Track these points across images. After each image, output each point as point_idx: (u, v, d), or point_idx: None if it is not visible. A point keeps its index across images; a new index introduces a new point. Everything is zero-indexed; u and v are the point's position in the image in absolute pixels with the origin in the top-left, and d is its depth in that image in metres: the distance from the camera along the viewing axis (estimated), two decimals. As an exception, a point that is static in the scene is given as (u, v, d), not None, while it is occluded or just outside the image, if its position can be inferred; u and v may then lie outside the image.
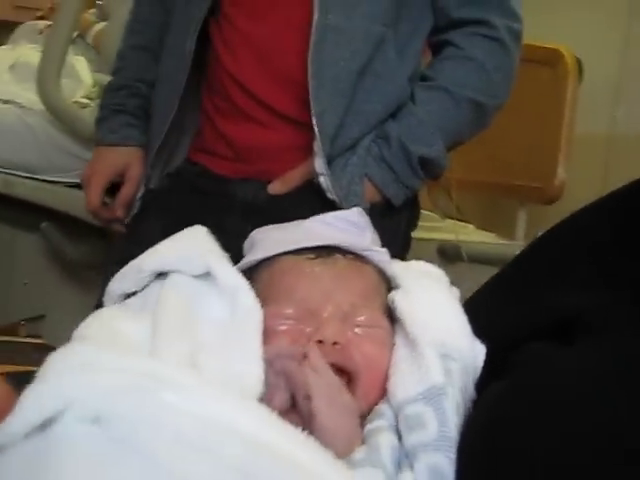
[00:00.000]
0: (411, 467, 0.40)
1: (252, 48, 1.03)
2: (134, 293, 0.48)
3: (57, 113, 1.43)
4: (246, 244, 0.57)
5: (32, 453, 0.31)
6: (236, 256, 1.12)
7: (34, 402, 0.33)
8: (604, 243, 0.52)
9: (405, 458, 0.40)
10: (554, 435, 0.37)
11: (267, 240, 0.52)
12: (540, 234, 0.59)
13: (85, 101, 1.52)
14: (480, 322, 0.50)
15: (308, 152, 1.00)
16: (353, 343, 0.46)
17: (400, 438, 0.42)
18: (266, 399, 0.40)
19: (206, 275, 0.46)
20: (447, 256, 1.92)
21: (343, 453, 0.39)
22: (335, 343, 0.45)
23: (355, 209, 0.55)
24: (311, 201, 0.99)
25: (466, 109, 1.03)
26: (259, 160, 1.05)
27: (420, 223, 1.23)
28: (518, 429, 0.39)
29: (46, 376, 0.34)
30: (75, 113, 1.46)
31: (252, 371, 0.40)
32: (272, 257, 0.50)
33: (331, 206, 0.97)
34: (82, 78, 1.55)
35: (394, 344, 0.47)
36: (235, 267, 0.49)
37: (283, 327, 0.46)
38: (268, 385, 0.41)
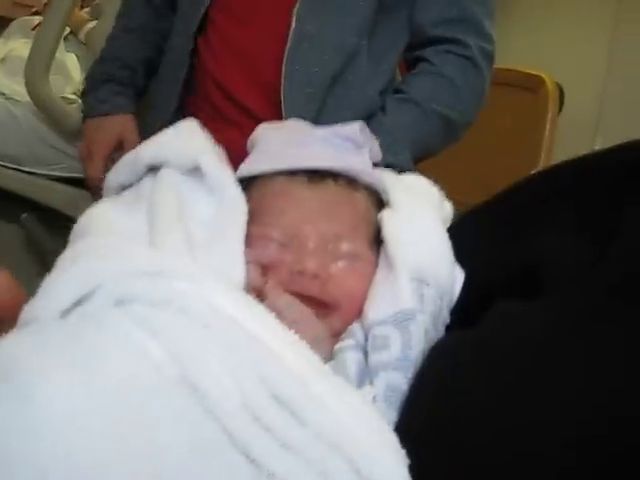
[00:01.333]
0: (371, 383, 0.40)
1: (234, 53, 1.06)
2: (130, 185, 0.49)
3: (43, 106, 1.44)
4: (249, 141, 0.58)
5: (72, 328, 0.33)
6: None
7: (66, 286, 0.35)
8: (567, 187, 0.54)
9: (368, 374, 0.41)
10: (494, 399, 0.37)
11: (266, 150, 0.52)
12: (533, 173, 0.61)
13: (73, 97, 1.53)
14: (463, 251, 0.50)
15: None
16: (333, 276, 0.46)
17: (366, 356, 0.43)
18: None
19: (197, 170, 0.47)
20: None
21: None
22: (315, 276, 0.45)
23: (357, 125, 0.55)
24: None
25: (435, 123, 1.07)
26: (233, 160, 1.08)
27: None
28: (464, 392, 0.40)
29: (74, 262, 0.36)
30: (61, 107, 1.47)
31: (233, 273, 0.41)
32: (266, 175, 0.50)
33: None
34: (72, 75, 1.57)
35: (377, 265, 0.48)
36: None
37: (266, 251, 0.46)
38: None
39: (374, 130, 1.05)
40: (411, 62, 1.12)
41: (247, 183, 0.50)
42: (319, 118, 1.02)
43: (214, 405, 0.31)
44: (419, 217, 0.50)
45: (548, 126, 1.95)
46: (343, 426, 0.32)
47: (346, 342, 0.43)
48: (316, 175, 0.49)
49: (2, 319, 0.37)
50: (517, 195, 0.57)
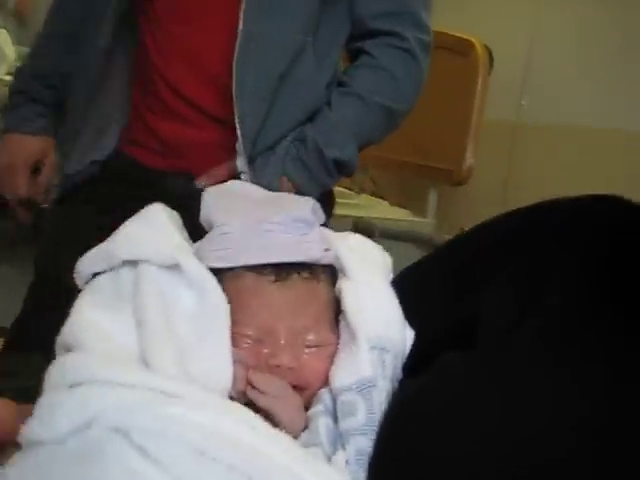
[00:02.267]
0: (343, 447, 0.48)
1: (182, 50, 1.08)
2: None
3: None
4: (202, 216, 0.60)
5: (75, 458, 0.38)
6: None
7: (66, 413, 0.39)
8: (504, 243, 0.60)
9: (339, 438, 0.49)
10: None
11: (229, 239, 0.55)
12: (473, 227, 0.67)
13: (8, 78, 1.50)
14: (410, 306, 0.57)
15: (233, 150, 1.07)
16: (304, 365, 0.52)
17: (336, 420, 0.50)
18: (233, 392, 0.48)
19: (175, 266, 0.51)
20: (361, 232, 2.02)
21: (295, 436, 0.47)
22: (290, 368, 0.52)
23: (308, 204, 0.59)
24: None
25: (377, 114, 1.12)
26: (187, 155, 1.12)
27: (337, 200, 1.32)
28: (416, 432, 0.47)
29: (74, 388, 0.41)
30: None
31: (222, 370, 0.47)
32: (236, 268, 0.54)
33: None
34: (5, 52, 1.53)
35: (340, 336, 0.54)
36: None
37: (244, 345, 0.52)
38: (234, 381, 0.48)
39: (321, 125, 1.11)
40: (352, 53, 1.16)
41: (218, 271, 0.54)
42: (270, 116, 1.06)
43: None
44: (373, 286, 0.56)
45: (479, 89, 2.02)
46: None
47: (316, 408, 0.50)
48: (282, 270, 0.54)
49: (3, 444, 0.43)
50: (459, 250, 0.64)
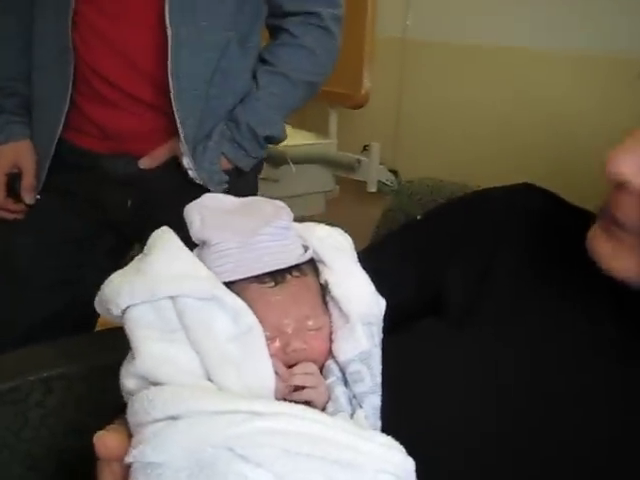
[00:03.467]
0: (360, 406, 0.63)
1: (107, 44, 1.14)
2: None
3: None
4: (195, 232, 0.66)
5: (190, 466, 0.50)
6: (119, 226, 1.27)
7: (178, 444, 0.51)
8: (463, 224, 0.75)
9: (354, 399, 0.63)
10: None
11: (226, 255, 0.64)
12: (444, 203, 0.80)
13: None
14: (380, 277, 0.68)
15: (171, 133, 1.17)
16: (312, 345, 0.64)
17: (346, 384, 0.64)
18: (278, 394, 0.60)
19: (211, 297, 0.60)
20: (274, 161, 2.13)
21: (324, 407, 0.61)
22: (302, 349, 0.63)
23: (285, 211, 0.68)
24: (176, 177, 1.19)
25: (301, 89, 1.24)
26: (125, 139, 1.19)
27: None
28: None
29: (176, 421, 0.52)
30: None
31: (268, 379, 0.59)
32: (237, 281, 0.64)
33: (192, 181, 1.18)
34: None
35: (331, 314, 0.66)
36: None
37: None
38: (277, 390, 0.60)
39: (252, 106, 1.21)
40: (272, 30, 1.26)
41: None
42: (206, 109, 1.16)
43: None
44: (350, 271, 0.68)
45: (369, 10, 2.11)
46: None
47: (331, 379, 0.64)
48: (278, 275, 0.64)
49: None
50: (416, 236, 0.79)
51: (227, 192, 0.76)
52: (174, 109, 1.13)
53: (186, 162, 1.17)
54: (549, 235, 0.69)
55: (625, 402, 0.60)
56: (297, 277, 0.66)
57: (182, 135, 1.14)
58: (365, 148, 2.28)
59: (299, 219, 0.72)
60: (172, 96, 1.12)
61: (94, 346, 0.98)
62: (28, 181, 1.24)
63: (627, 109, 1.50)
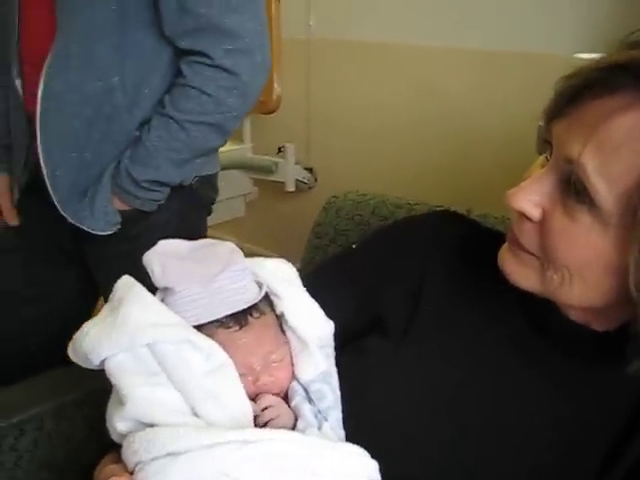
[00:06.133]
0: (325, 419, 0.71)
1: None
2: None
3: None
4: (157, 280, 0.71)
5: None
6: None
7: (178, 476, 0.59)
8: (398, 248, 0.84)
9: (319, 414, 0.72)
10: None
11: (193, 300, 0.70)
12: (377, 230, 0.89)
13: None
14: (322, 302, 0.76)
15: None
16: (277, 376, 0.72)
17: (310, 401, 0.73)
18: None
19: (184, 340, 0.67)
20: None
21: (293, 426, 0.70)
22: (270, 382, 0.71)
23: (238, 254, 0.74)
24: None
25: (196, 131, 1.17)
26: None
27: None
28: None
29: (176, 457, 0.60)
30: None
31: (246, 410, 0.67)
32: (205, 325, 0.70)
33: None
34: None
35: (290, 341, 0.74)
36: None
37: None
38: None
39: (135, 150, 1.20)
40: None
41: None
42: (84, 160, 1.19)
43: None
44: (302, 300, 0.76)
45: (273, 14, 2.15)
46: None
47: (297, 399, 0.73)
48: (240, 318, 0.71)
49: None
50: (352, 262, 0.87)
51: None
52: (42, 169, 1.17)
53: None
54: (468, 257, 0.80)
55: (556, 393, 0.71)
56: (257, 318, 0.73)
57: (53, 197, 1.18)
58: (280, 150, 2.36)
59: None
60: (40, 155, 1.16)
61: (62, 382, 1.03)
62: (7, 209, 1.30)
63: (532, 103, 1.63)
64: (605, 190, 0.60)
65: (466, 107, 1.93)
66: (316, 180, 2.42)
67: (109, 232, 1.22)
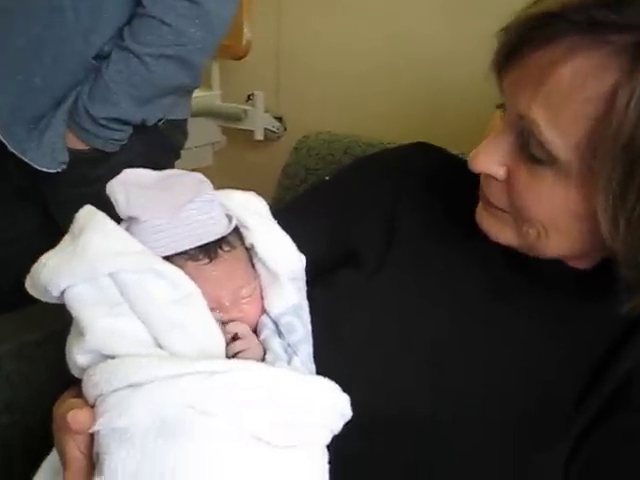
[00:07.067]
0: (295, 354, 0.70)
1: None
2: None
3: None
4: (121, 210, 0.68)
5: (159, 426, 0.56)
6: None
7: (142, 406, 0.56)
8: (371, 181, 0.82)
9: (289, 347, 0.70)
10: None
11: (160, 231, 0.67)
12: (357, 161, 0.85)
13: None
14: (294, 235, 0.74)
15: None
16: (247, 311, 0.70)
17: (280, 335, 0.71)
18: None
19: (149, 269, 0.63)
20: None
21: (263, 359, 0.68)
22: (239, 317, 0.69)
23: (207, 185, 0.71)
24: None
25: (155, 65, 1.12)
26: None
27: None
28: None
29: (139, 387, 0.57)
30: None
31: (217, 344, 0.65)
32: (175, 257, 0.67)
33: None
34: None
35: (260, 274, 0.72)
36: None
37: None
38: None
39: (94, 85, 1.13)
40: None
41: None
42: (30, 87, 1.12)
43: None
44: (272, 232, 0.74)
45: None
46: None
47: (266, 333, 0.71)
48: (210, 251, 0.68)
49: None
50: (335, 188, 0.85)
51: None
52: None
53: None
54: (444, 191, 0.79)
55: (535, 328, 0.70)
56: (228, 251, 0.70)
57: None
58: (249, 98, 2.30)
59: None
60: None
61: (24, 323, 0.99)
62: None
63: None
64: (559, 142, 0.59)
65: (438, 51, 1.90)
66: (285, 129, 2.38)
67: (53, 170, 1.17)
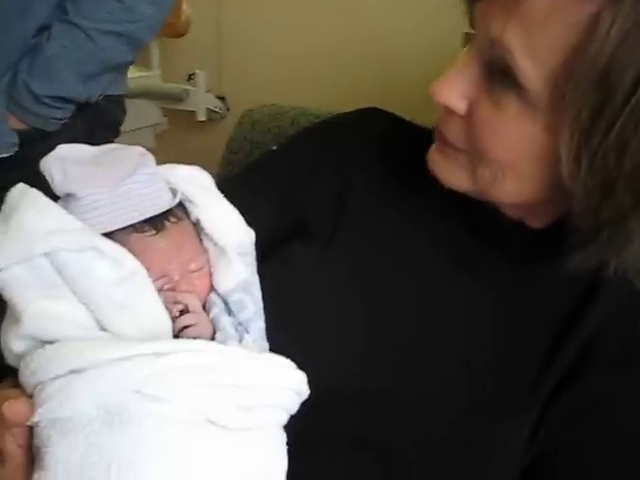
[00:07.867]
0: (246, 331, 0.67)
1: None
2: None
3: None
4: (57, 186, 0.64)
5: (104, 414, 0.52)
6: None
7: (85, 393, 0.52)
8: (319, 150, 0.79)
9: (240, 326, 0.67)
10: None
11: (99, 204, 0.63)
12: (298, 132, 0.82)
13: None
14: (242, 209, 0.70)
15: None
16: (197, 285, 0.66)
17: (230, 313, 0.68)
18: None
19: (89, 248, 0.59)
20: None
21: (212, 338, 0.64)
22: (188, 291, 0.65)
23: (149, 157, 0.67)
24: None
25: (105, 41, 1.09)
26: None
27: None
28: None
29: (81, 374, 0.53)
30: None
31: (163, 320, 0.61)
32: (115, 232, 0.63)
33: None
34: None
35: (207, 250, 0.68)
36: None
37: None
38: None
39: (34, 61, 1.07)
40: None
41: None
42: None
43: None
44: (218, 207, 0.70)
45: None
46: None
47: (215, 311, 0.67)
48: (157, 222, 0.65)
49: None
50: (283, 157, 0.81)
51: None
52: None
53: None
54: (396, 155, 0.76)
55: (493, 295, 0.69)
56: (175, 223, 0.67)
57: None
58: (190, 77, 2.24)
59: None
60: None
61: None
62: None
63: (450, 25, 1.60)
64: (532, 70, 0.55)
65: (382, 26, 1.89)
66: (228, 109, 2.33)
67: (5, 154, 1.11)
